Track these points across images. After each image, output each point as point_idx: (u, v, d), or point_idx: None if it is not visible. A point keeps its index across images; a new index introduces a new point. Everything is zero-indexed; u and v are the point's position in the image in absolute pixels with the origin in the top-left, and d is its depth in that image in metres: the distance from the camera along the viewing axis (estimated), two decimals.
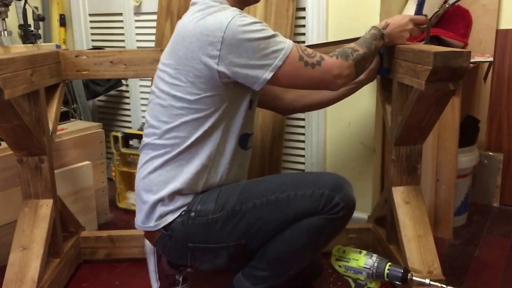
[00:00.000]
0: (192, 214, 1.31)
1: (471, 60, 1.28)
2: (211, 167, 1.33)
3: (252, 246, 1.32)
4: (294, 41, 1.96)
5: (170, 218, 1.32)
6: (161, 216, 1.32)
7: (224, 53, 1.22)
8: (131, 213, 2.08)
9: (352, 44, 1.34)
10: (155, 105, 1.35)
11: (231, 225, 1.29)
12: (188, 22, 1.28)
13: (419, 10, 1.50)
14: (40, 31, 2.51)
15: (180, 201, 1.32)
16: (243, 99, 1.34)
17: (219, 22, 1.22)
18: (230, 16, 1.22)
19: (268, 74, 1.24)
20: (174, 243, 1.34)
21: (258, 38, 1.21)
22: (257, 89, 1.28)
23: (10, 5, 2.13)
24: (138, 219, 1.38)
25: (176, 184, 1.31)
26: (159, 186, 1.32)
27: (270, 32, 1.24)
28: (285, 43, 1.25)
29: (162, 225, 1.33)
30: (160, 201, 1.32)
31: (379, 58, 1.49)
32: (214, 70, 1.24)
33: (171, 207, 1.32)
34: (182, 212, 1.31)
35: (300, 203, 1.26)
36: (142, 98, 2.56)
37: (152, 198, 1.32)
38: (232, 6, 1.33)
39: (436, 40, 1.97)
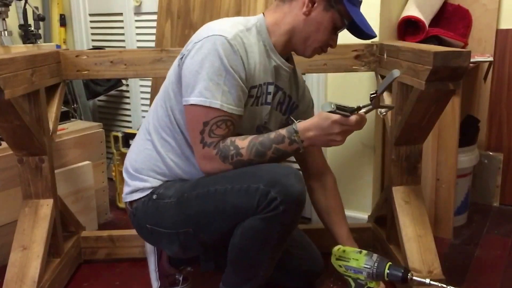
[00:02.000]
0: (154, 196, 1.34)
1: (471, 60, 1.27)
2: (180, 160, 1.35)
3: (203, 237, 1.29)
4: None
5: (136, 196, 1.37)
6: (131, 191, 1.39)
7: (188, 51, 1.25)
8: None
9: (242, 143, 1.23)
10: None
11: (178, 211, 1.29)
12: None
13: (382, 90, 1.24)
14: (40, 31, 2.51)
15: (149, 182, 1.36)
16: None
17: (213, 29, 1.24)
18: (223, 34, 1.21)
19: (183, 100, 1.25)
20: (137, 222, 1.40)
21: (203, 66, 1.20)
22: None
23: (10, 5, 2.14)
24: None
25: (148, 164, 1.37)
26: (137, 163, 1.39)
27: (218, 78, 1.20)
28: (212, 98, 1.19)
29: (128, 200, 1.40)
30: (133, 176, 1.39)
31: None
32: (178, 62, 1.29)
33: (140, 184, 1.37)
34: (148, 193, 1.36)
35: (235, 197, 1.20)
36: (142, 98, 2.56)
37: (129, 170, 1.41)
38: (276, 40, 1.33)
39: (436, 40, 1.97)
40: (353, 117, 1.19)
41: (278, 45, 1.33)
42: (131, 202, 1.39)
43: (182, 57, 1.27)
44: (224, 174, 1.26)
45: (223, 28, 1.24)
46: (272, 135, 1.24)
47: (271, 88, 1.35)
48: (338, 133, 1.21)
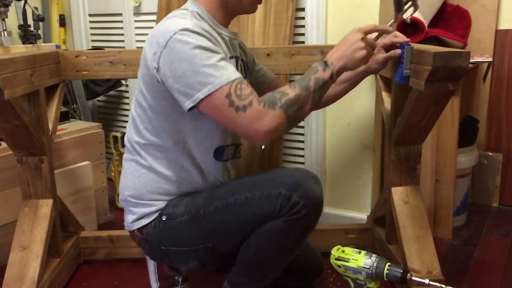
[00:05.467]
0: (164, 218, 1.32)
1: (471, 60, 1.27)
2: (184, 175, 1.34)
3: (222, 250, 1.29)
4: (293, 42, 1.98)
5: (143, 222, 1.35)
6: (138, 218, 1.36)
7: (162, 62, 1.18)
8: None
9: (282, 87, 1.20)
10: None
11: (196, 228, 1.29)
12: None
13: (398, 8, 1.32)
14: (40, 32, 2.51)
15: (155, 206, 1.34)
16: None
17: (169, 29, 1.17)
18: (182, 27, 1.16)
19: (188, 104, 1.17)
20: (149, 246, 1.37)
21: (190, 63, 1.14)
22: (185, 110, 1.19)
23: (10, 5, 2.13)
24: (124, 219, 1.42)
25: (150, 188, 1.34)
26: (137, 189, 1.35)
27: (208, 61, 1.15)
28: (219, 77, 1.14)
29: (136, 227, 1.36)
30: (137, 203, 1.35)
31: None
32: (154, 77, 1.21)
33: (146, 210, 1.34)
34: (156, 216, 1.34)
35: (257, 205, 1.21)
36: None
37: (130, 200, 1.36)
38: (215, 15, 1.30)
39: (436, 40, 1.97)
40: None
41: (219, 18, 1.31)
42: (139, 229, 1.37)
43: (155, 71, 1.20)
44: (241, 183, 1.28)
45: (175, 24, 1.18)
46: (307, 71, 1.24)
47: (232, 62, 1.33)
48: (360, 39, 1.22)
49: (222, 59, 1.18)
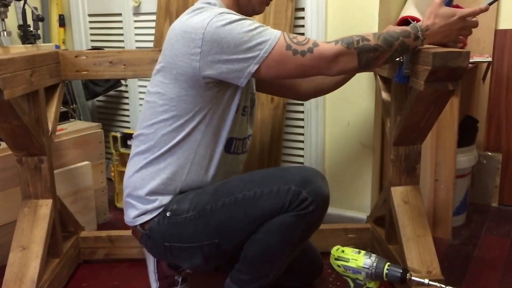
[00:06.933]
0: (168, 214, 1.33)
1: (470, 60, 1.27)
2: (190, 169, 1.34)
3: (227, 246, 1.30)
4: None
5: (146, 218, 1.35)
6: (140, 214, 1.36)
7: (205, 49, 1.21)
8: None
9: (367, 34, 1.24)
10: (144, 103, 1.39)
11: (202, 224, 1.29)
12: (177, 22, 1.30)
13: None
14: (40, 32, 2.51)
15: (158, 201, 1.34)
16: (229, 103, 1.34)
17: (202, 20, 1.22)
18: (213, 14, 1.22)
19: (253, 67, 1.22)
20: (152, 242, 1.37)
21: (240, 32, 1.19)
22: (242, 84, 1.25)
23: (9, 5, 2.13)
24: (125, 214, 1.43)
25: (154, 184, 1.34)
26: (141, 185, 1.36)
27: (254, 25, 1.21)
28: (271, 34, 1.21)
29: (138, 223, 1.37)
30: (141, 199, 1.36)
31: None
32: (196, 68, 1.24)
33: (149, 206, 1.35)
34: (159, 212, 1.34)
35: (266, 200, 1.23)
36: (141, 99, 2.56)
37: (134, 195, 1.37)
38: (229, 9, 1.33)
39: None
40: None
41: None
42: (142, 225, 1.37)
43: (199, 57, 1.23)
44: (248, 179, 1.29)
45: (208, 15, 1.23)
46: (398, 29, 1.25)
47: None
48: (462, 27, 1.24)
49: (261, 25, 1.23)
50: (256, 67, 1.21)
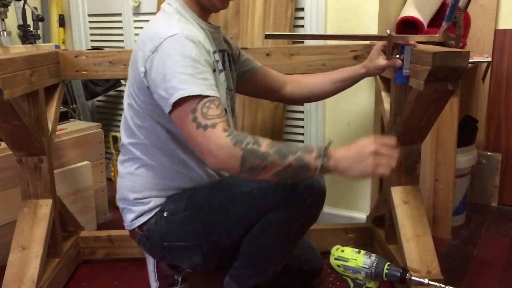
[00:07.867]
0: (165, 213, 1.33)
1: (470, 60, 1.27)
2: (181, 171, 1.34)
3: (226, 243, 1.29)
4: (292, 42, 1.97)
5: (143, 219, 1.35)
6: (137, 216, 1.36)
7: (149, 66, 1.17)
8: None
9: (264, 140, 1.09)
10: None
11: (200, 222, 1.29)
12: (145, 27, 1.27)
13: (450, 14, 1.32)
14: (39, 32, 2.51)
15: (153, 202, 1.35)
16: None
17: (159, 34, 1.17)
18: (172, 32, 1.16)
19: (167, 109, 1.14)
20: (151, 243, 1.37)
21: (172, 68, 1.12)
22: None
23: (9, 5, 2.13)
24: (124, 220, 1.42)
25: (148, 186, 1.34)
26: (134, 189, 1.36)
27: (188, 70, 1.12)
28: (190, 88, 1.10)
29: (136, 225, 1.37)
30: (135, 201, 1.36)
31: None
32: (142, 81, 1.21)
33: (145, 207, 1.35)
34: (156, 212, 1.34)
35: (263, 195, 1.22)
36: None
37: (128, 198, 1.37)
38: (193, 10, 1.29)
39: None
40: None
41: (197, 12, 1.30)
42: (140, 226, 1.37)
43: (143, 75, 1.19)
44: None
45: (165, 29, 1.18)
46: (301, 145, 1.24)
47: (217, 56, 1.33)
48: (374, 152, 1.08)
49: (204, 72, 1.15)
50: (168, 109, 1.14)
